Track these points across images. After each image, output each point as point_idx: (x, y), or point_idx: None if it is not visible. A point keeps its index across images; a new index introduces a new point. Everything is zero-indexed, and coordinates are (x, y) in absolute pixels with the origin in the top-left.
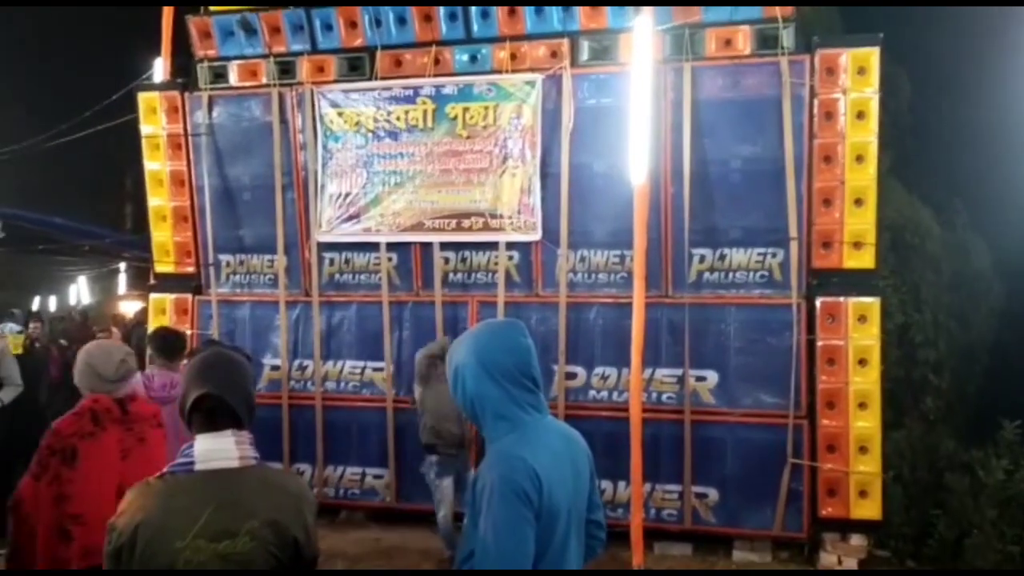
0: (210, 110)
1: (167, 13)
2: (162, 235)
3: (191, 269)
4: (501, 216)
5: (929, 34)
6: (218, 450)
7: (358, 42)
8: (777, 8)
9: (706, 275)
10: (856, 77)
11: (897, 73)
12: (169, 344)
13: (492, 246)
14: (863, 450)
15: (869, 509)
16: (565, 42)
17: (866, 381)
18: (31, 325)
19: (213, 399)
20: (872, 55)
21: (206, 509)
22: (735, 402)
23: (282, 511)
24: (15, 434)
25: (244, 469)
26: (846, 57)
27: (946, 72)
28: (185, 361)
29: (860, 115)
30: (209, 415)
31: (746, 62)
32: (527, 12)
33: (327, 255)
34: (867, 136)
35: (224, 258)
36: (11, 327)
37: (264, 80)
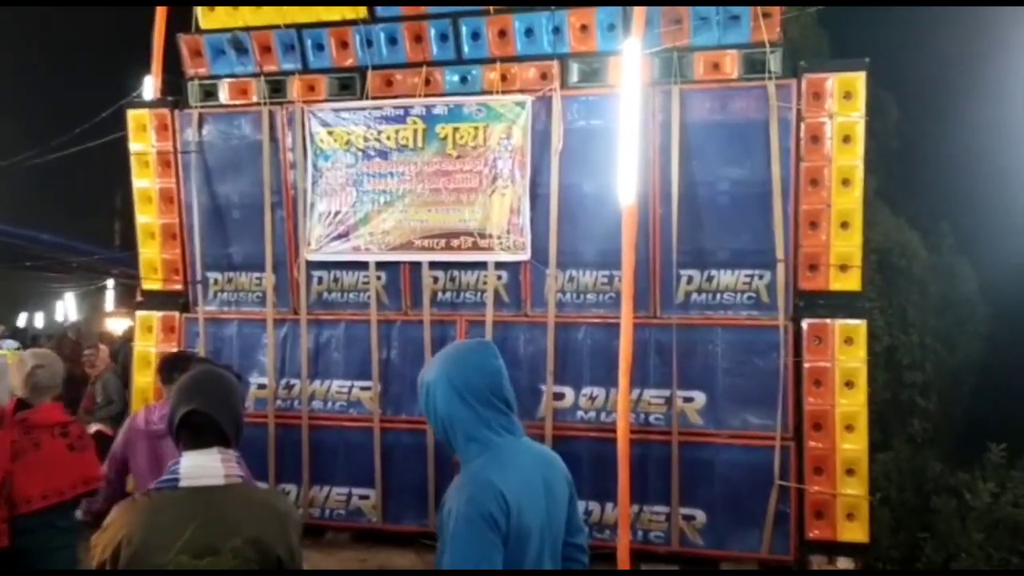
0: (200, 128)
1: (158, 31)
2: (150, 252)
3: (179, 287)
4: (490, 236)
5: (916, 59)
6: (203, 467)
7: (349, 62)
8: (765, 32)
9: (694, 296)
10: (842, 101)
11: (884, 97)
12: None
13: (481, 265)
14: (850, 472)
15: (856, 532)
16: (555, 64)
17: (853, 403)
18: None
19: (200, 416)
20: (858, 79)
21: (190, 526)
22: (723, 423)
23: (266, 530)
24: None
25: (229, 487)
26: (832, 81)
27: (933, 96)
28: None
29: (846, 139)
30: (196, 432)
31: (734, 86)
32: (517, 34)
33: (316, 273)
34: (853, 160)
35: (212, 276)
36: (10, 343)
37: (254, 98)
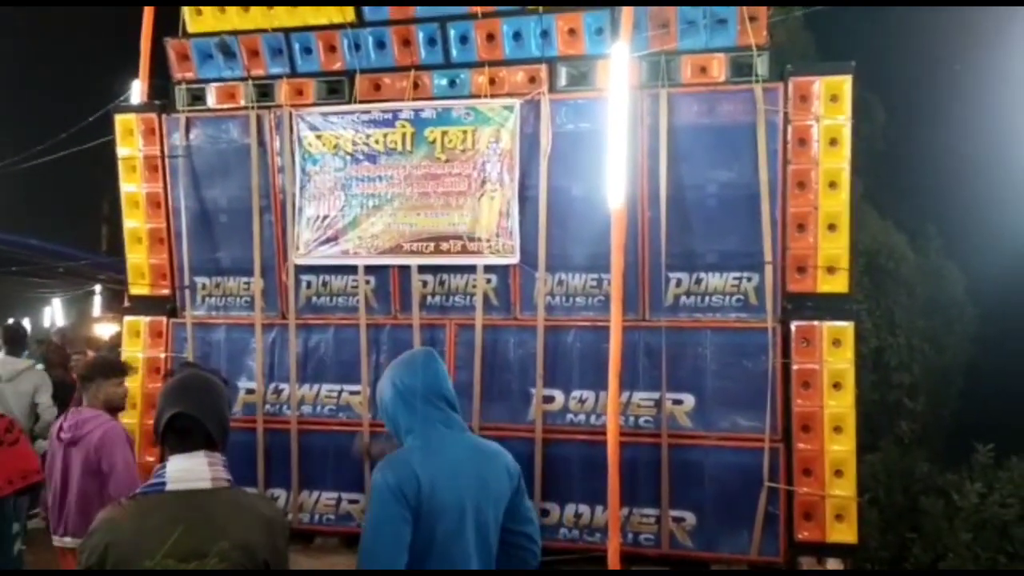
0: (187, 132)
1: (145, 35)
2: (137, 257)
3: (166, 291)
4: (479, 239)
5: (903, 62)
6: (190, 471)
7: (337, 66)
8: (752, 36)
9: (683, 299)
10: (829, 104)
11: (871, 100)
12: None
13: (470, 269)
14: (838, 473)
15: (845, 533)
16: (543, 68)
17: (841, 405)
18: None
19: (187, 419)
20: (845, 82)
21: (176, 529)
22: (712, 425)
23: (253, 533)
24: None
25: (216, 491)
26: (819, 84)
27: (920, 99)
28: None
29: (833, 142)
30: (182, 435)
31: (721, 89)
32: (505, 38)
33: (304, 278)
34: (840, 162)
35: (200, 280)
36: None
37: (242, 103)
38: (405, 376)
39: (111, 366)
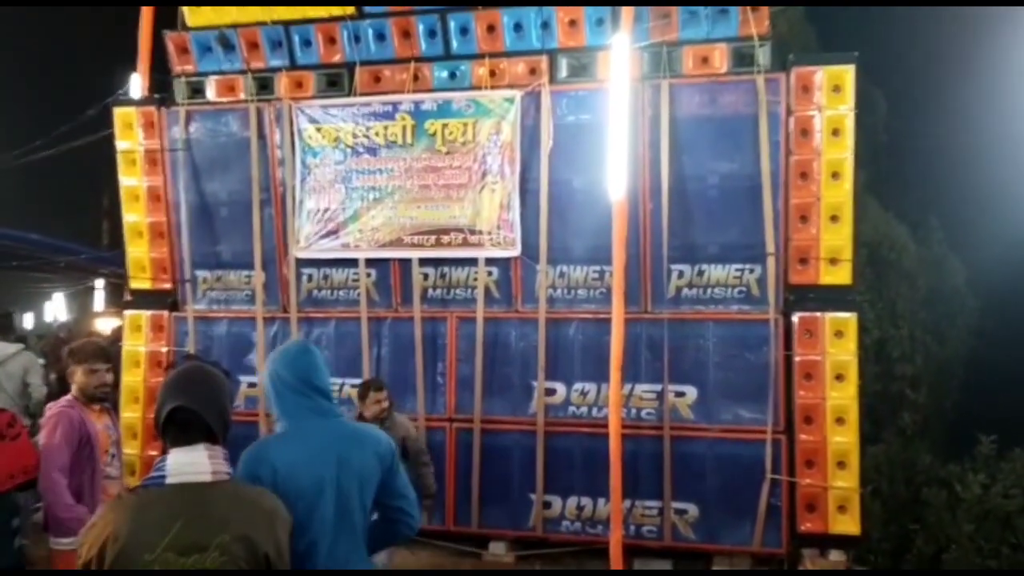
0: (187, 125)
1: (144, 28)
2: (138, 251)
3: (167, 285)
4: (480, 232)
5: (904, 53)
6: (190, 464)
7: (337, 58)
8: (753, 26)
9: (685, 291)
10: (831, 95)
11: (872, 91)
12: None
13: (471, 262)
14: (841, 465)
15: (848, 524)
16: (544, 59)
17: (843, 396)
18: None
19: (187, 412)
20: (847, 73)
21: (176, 523)
22: (714, 417)
23: (254, 527)
24: None
25: (216, 484)
26: (821, 75)
27: (921, 90)
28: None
29: (835, 132)
30: (183, 428)
31: (723, 80)
32: (506, 29)
33: (305, 271)
34: (842, 153)
35: (201, 274)
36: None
37: (242, 95)
38: (279, 368)
39: (83, 351)
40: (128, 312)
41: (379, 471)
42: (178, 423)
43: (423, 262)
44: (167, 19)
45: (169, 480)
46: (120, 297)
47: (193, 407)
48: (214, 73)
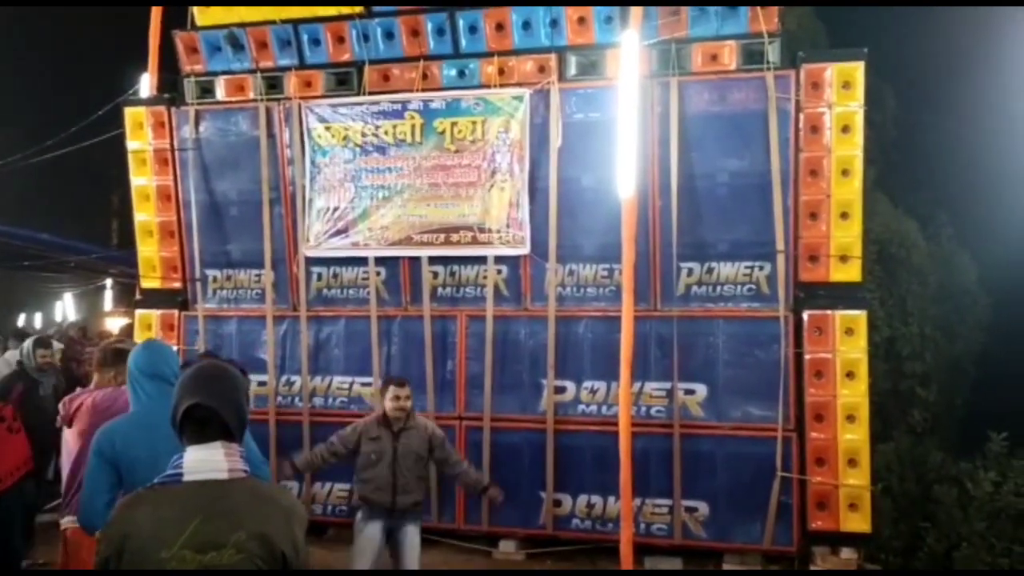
0: (197, 125)
1: (154, 28)
2: (148, 250)
3: (177, 284)
4: (490, 230)
5: (913, 49)
6: (207, 461)
7: (346, 57)
8: (763, 23)
9: (694, 288)
10: (841, 91)
11: (882, 88)
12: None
13: (481, 260)
14: (852, 463)
15: (859, 522)
16: (553, 57)
17: (854, 394)
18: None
19: (204, 409)
20: (857, 69)
21: (193, 520)
22: (724, 415)
23: (271, 524)
24: None
25: (233, 481)
26: (831, 71)
27: (930, 87)
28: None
29: (845, 129)
30: (200, 425)
31: (732, 77)
32: (515, 27)
33: (315, 270)
34: (852, 150)
35: (211, 273)
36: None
37: (251, 95)
38: (134, 358)
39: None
40: (139, 311)
41: None
42: (195, 420)
43: (432, 260)
44: (177, 19)
45: (186, 478)
46: (129, 297)
47: (210, 404)
48: (223, 73)
